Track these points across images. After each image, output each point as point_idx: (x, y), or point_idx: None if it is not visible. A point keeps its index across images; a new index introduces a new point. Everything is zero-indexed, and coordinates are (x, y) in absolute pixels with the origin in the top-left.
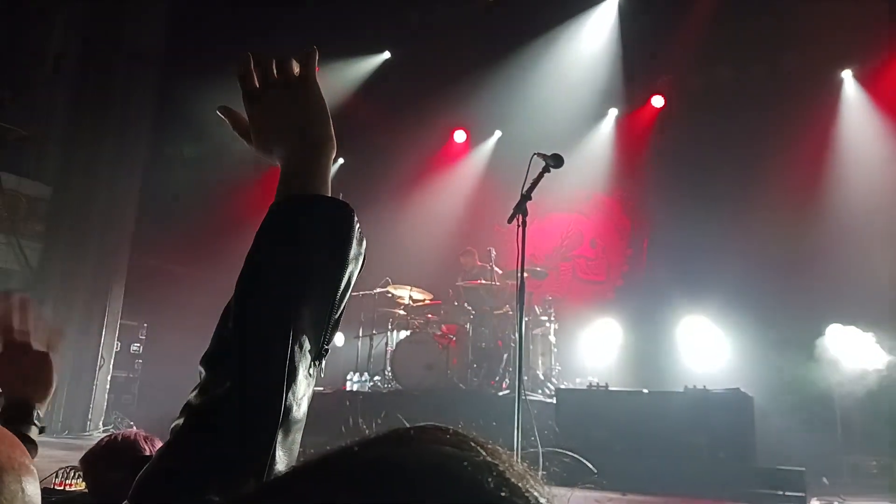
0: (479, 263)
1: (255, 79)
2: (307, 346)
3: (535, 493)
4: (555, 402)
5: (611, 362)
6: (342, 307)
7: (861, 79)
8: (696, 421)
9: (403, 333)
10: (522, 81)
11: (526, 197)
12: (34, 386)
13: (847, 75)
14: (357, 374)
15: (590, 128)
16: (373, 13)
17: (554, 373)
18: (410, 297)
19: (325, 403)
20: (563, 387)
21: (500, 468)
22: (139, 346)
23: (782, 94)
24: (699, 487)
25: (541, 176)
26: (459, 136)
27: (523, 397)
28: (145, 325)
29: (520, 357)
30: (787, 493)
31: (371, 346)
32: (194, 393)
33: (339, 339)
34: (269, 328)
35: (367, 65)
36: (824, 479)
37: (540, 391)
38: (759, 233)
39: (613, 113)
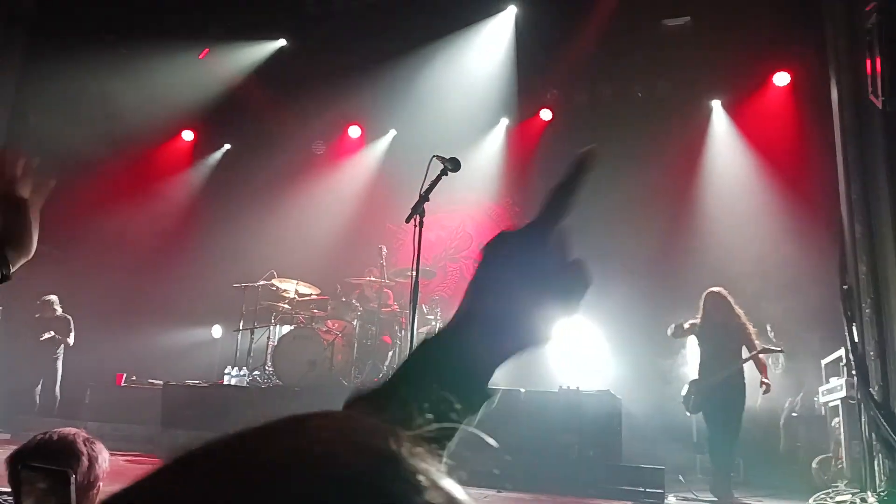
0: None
1: None
2: None
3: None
4: None
5: None
6: None
7: (728, 109)
8: (568, 420)
9: (287, 328)
10: (419, 83)
11: (424, 198)
12: (11, 233)
13: (716, 105)
14: (235, 367)
15: (482, 135)
16: None
17: None
18: (296, 291)
19: (201, 397)
20: None
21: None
22: None
23: (658, 115)
24: (569, 485)
25: (439, 178)
26: (354, 132)
27: None
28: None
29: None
30: (647, 490)
31: (251, 339)
32: None
33: (216, 331)
34: None
35: (262, 50)
36: (680, 477)
37: None
38: (633, 243)
39: (504, 122)
